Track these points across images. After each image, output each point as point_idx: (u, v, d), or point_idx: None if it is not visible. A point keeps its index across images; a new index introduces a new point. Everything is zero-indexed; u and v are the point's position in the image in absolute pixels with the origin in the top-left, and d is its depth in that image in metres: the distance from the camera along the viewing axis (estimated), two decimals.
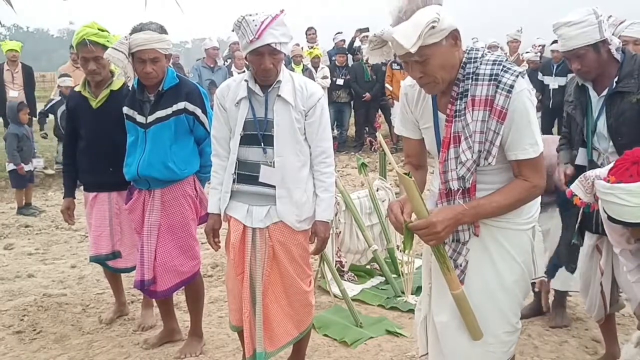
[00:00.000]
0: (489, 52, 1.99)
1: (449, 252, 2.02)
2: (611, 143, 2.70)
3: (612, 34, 2.78)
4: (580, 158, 2.84)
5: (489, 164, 1.92)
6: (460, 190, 1.96)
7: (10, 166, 7.00)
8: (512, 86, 1.86)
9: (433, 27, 1.79)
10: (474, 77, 1.91)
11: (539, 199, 2.09)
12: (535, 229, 2.10)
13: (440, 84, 1.92)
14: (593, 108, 2.77)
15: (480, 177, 1.97)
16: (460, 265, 2.02)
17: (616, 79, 2.68)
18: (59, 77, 8.62)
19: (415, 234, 1.95)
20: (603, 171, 2.26)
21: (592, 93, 2.78)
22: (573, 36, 2.65)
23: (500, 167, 1.97)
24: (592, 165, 2.68)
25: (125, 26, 3.46)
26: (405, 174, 1.85)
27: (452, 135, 1.95)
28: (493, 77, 1.88)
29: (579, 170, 2.81)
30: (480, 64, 1.92)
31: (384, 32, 1.86)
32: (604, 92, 2.72)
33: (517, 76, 1.88)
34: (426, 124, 2.10)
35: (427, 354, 2.24)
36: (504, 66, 1.89)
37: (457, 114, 1.94)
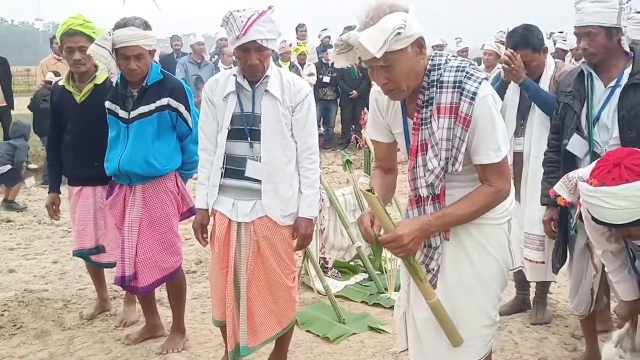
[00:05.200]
0: (453, 57, 2.00)
1: (421, 257, 2.03)
2: (614, 135, 2.69)
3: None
4: (573, 146, 2.82)
5: (456, 170, 1.93)
6: (430, 197, 1.98)
7: None
8: (475, 93, 1.87)
9: (399, 34, 1.79)
10: (438, 85, 1.92)
11: (513, 194, 2.12)
12: (510, 223, 2.13)
13: (405, 91, 1.93)
14: (596, 99, 2.76)
15: (450, 179, 2.00)
16: (433, 270, 2.04)
17: (630, 72, 2.67)
18: (49, 73, 8.41)
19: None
20: (586, 172, 2.28)
21: (598, 83, 2.76)
22: (591, 13, 2.65)
23: (468, 168, 1.99)
24: (595, 157, 2.64)
25: (98, 21, 3.45)
26: (369, 190, 1.88)
27: (419, 144, 1.97)
28: (457, 85, 1.89)
29: (570, 157, 2.83)
30: (445, 71, 1.92)
31: (350, 37, 1.86)
32: (612, 84, 2.72)
33: (480, 83, 1.89)
34: (397, 130, 2.12)
35: (407, 349, 2.26)
36: (467, 72, 1.90)
37: (424, 122, 1.96)
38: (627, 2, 2.64)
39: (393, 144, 2.21)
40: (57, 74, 8.07)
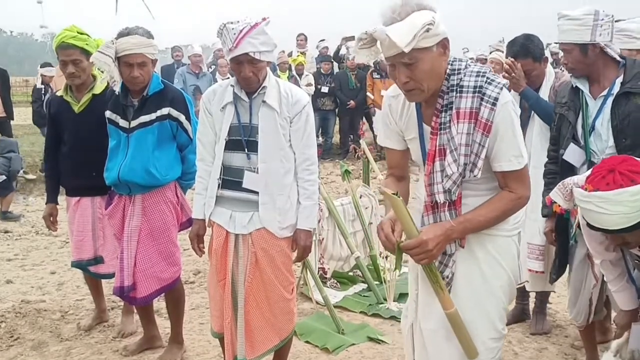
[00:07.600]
0: (472, 63, 1.99)
1: (436, 264, 2.00)
2: (609, 143, 2.70)
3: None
4: (569, 155, 2.84)
5: (475, 176, 1.91)
6: (447, 203, 1.96)
7: None
8: (496, 99, 1.86)
9: (428, 30, 1.76)
10: (458, 89, 1.90)
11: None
12: (520, 235, 2.12)
13: (425, 92, 1.90)
14: (590, 109, 2.78)
15: (466, 187, 1.97)
16: (447, 277, 2.02)
17: (621, 81, 2.70)
18: (41, 67, 8.57)
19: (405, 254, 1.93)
20: (581, 178, 2.29)
21: (588, 95, 2.79)
22: (565, 30, 2.73)
23: (485, 177, 1.97)
24: (592, 166, 2.64)
25: (101, 31, 3.46)
26: (394, 194, 1.83)
27: (437, 148, 1.94)
28: (477, 89, 1.87)
29: (567, 166, 2.84)
30: (464, 76, 1.90)
31: (376, 30, 1.82)
32: (603, 93, 2.74)
33: (501, 88, 1.88)
34: (411, 135, 2.09)
35: None
36: (487, 78, 1.89)
37: (442, 126, 1.92)
38: (606, 18, 2.66)
39: (406, 151, 2.18)
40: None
